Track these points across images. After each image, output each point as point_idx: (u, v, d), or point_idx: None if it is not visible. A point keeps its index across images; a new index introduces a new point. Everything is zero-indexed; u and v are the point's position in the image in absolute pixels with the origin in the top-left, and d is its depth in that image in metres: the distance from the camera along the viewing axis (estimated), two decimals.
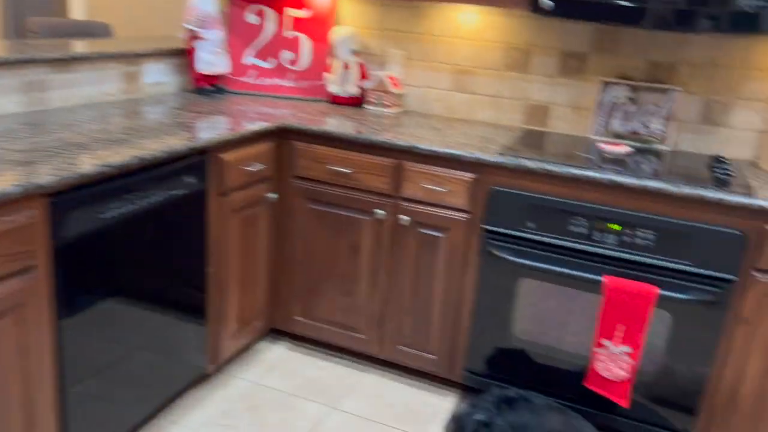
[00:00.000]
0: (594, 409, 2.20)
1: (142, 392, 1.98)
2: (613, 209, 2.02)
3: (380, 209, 2.33)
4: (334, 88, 2.79)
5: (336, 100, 2.83)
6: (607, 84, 2.48)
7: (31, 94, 2.17)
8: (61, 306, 1.62)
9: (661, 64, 2.43)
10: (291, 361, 2.58)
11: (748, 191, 1.92)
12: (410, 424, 2.27)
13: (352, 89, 2.78)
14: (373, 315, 2.45)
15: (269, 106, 2.66)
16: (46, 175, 1.51)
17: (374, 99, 2.76)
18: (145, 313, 1.92)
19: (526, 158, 2.12)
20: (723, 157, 2.32)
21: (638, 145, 2.46)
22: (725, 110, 2.39)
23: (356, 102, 2.83)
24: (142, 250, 1.86)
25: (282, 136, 2.43)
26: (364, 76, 2.81)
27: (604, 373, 2.08)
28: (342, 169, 2.34)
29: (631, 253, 2.02)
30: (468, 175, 2.19)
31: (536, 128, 2.66)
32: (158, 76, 2.69)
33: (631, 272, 2.03)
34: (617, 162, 2.17)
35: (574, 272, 2.07)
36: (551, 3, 2.16)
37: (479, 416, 1.54)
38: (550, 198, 2.09)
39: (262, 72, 2.89)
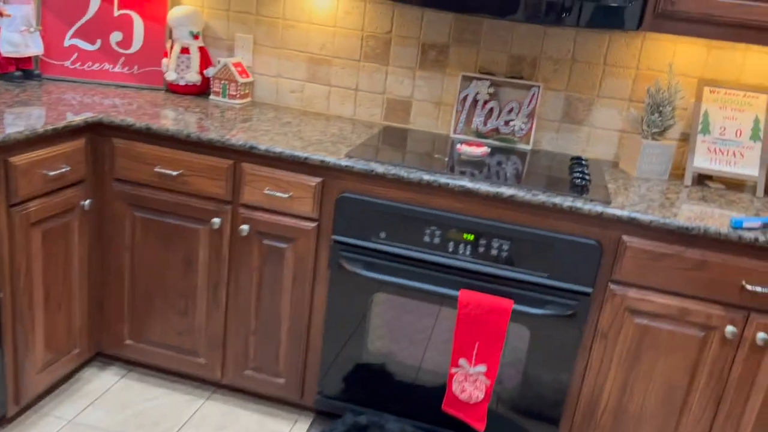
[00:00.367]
0: (454, 431, 2.04)
1: None
2: (467, 218, 1.85)
3: (216, 217, 2.03)
4: (171, 76, 2.44)
5: (174, 89, 2.48)
6: (468, 79, 2.31)
7: None
8: None
9: (524, 58, 2.29)
10: (121, 390, 2.24)
11: (606, 198, 1.81)
12: None
13: (192, 77, 2.44)
14: (213, 336, 2.16)
15: (92, 95, 2.28)
16: None
17: (218, 88, 2.45)
18: None
19: (375, 161, 1.90)
20: (582, 159, 2.21)
21: (499, 144, 2.32)
22: (587, 108, 2.29)
23: (198, 91, 2.50)
24: None
25: (98, 131, 2.07)
26: (206, 63, 2.48)
27: (461, 396, 1.92)
28: (170, 172, 2.02)
29: (486, 265, 1.86)
30: (314, 180, 1.94)
31: (397, 125, 2.45)
32: None
33: (487, 285, 1.88)
34: (474, 165, 2.00)
35: (430, 287, 1.88)
36: None
37: None
38: (402, 206, 1.88)
39: (86, 55, 2.48)
